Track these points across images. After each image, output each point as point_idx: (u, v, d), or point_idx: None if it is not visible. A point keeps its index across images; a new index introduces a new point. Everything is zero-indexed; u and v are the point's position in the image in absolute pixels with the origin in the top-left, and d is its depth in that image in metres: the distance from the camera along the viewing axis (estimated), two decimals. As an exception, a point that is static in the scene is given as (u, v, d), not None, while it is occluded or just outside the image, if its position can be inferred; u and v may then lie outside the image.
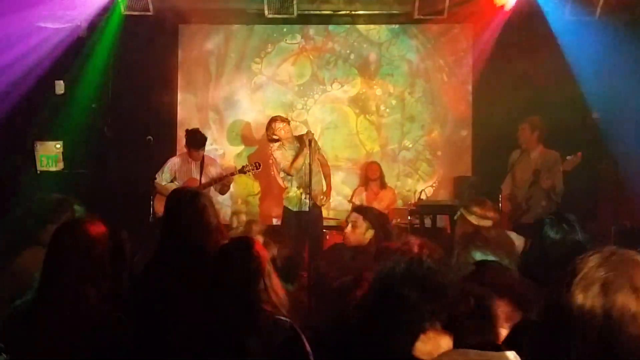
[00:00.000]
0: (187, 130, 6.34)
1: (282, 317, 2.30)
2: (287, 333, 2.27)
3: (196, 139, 6.15)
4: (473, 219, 3.54)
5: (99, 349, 2.16)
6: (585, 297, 1.37)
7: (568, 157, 5.74)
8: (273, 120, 6.04)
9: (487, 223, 3.50)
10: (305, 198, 5.86)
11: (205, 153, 6.37)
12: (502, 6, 6.58)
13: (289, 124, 6.05)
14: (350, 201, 7.13)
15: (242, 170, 6.10)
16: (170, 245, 2.86)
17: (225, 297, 2.28)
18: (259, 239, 2.92)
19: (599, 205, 6.74)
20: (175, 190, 3.17)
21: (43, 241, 2.87)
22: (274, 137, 5.98)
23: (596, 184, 6.70)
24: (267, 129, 6.05)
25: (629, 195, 6.08)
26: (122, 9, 6.74)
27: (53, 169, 7.10)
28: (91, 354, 2.16)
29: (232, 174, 6.13)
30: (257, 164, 6.15)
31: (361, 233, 3.68)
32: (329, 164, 6.39)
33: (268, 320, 2.26)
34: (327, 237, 6.45)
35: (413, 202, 6.87)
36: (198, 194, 3.05)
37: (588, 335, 1.36)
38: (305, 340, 2.33)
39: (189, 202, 2.95)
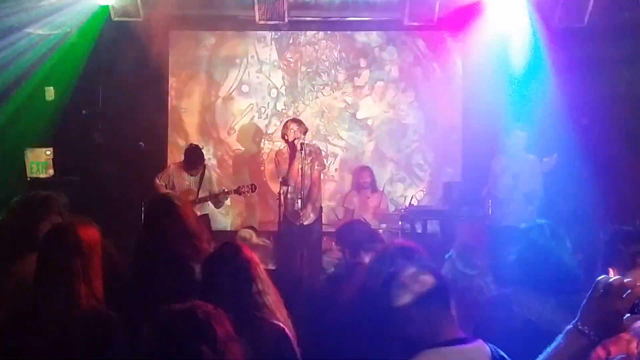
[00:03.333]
0: (185, 148, 6.46)
1: (274, 322, 2.31)
2: (278, 338, 2.28)
3: (192, 158, 6.29)
4: None
5: (91, 348, 2.18)
6: None
7: (544, 159, 5.90)
8: (287, 121, 6.31)
9: None
10: (300, 205, 5.97)
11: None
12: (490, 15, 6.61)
13: (299, 127, 6.15)
14: (343, 206, 7.17)
15: (237, 191, 6.26)
16: (147, 250, 2.89)
17: (217, 303, 2.28)
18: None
19: (586, 208, 6.80)
20: (154, 197, 3.24)
21: (39, 240, 2.88)
22: (285, 137, 6.18)
23: (582, 188, 6.78)
24: (282, 129, 6.32)
25: (615, 198, 6.17)
26: (113, 15, 6.72)
27: (43, 175, 7.05)
28: (83, 352, 2.17)
29: (227, 193, 6.24)
30: (252, 186, 6.30)
31: None
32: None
33: (260, 325, 2.26)
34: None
35: (404, 207, 6.90)
36: (174, 201, 3.10)
37: None
38: (295, 345, 2.34)
39: (168, 209, 3.00)
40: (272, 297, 2.34)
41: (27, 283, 2.55)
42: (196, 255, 2.89)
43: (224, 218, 7.63)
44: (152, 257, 2.82)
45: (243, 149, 7.74)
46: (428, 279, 2.02)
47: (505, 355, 1.98)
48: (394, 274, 2.11)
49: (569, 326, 1.56)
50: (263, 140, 7.74)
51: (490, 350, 1.97)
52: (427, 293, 2.01)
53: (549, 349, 1.59)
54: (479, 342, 1.99)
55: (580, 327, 1.53)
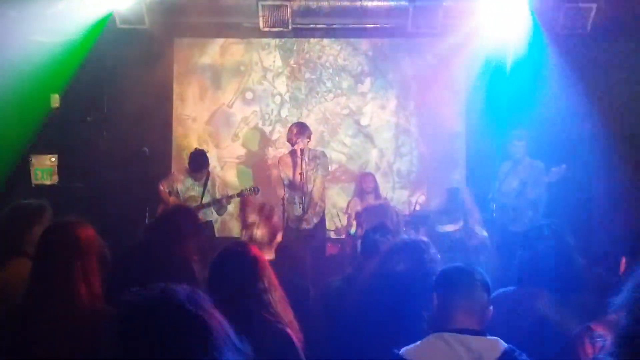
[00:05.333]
0: (190, 152, 6.42)
1: (279, 325, 2.29)
2: (282, 342, 2.26)
3: (196, 162, 6.26)
4: None
5: (92, 347, 2.17)
6: None
7: (553, 169, 5.88)
8: (292, 125, 6.20)
9: None
10: (302, 210, 5.96)
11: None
12: (494, 21, 6.62)
13: (304, 131, 6.03)
14: (346, 213, 7.16)
15: (240, 194, 6.23)
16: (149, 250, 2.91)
17: (224, 299, 2.27)
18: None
19: (590, 213, 6.80)
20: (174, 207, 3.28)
21: (27, 247, 2.89)
22: (291, 142, 6.06)
23: (585, 193, 6.78)
24: (287, 134, 6.19)
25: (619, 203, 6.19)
26: (118, 22, 6.75)
27: (47, 182, 7.08)
28: (84, 352, 2.16)
29: (231, 197, 6.24)
30: (255, 188, 6.27)
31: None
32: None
33: (264, 327, 2.23)
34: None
35: (408, 212, 6.90)
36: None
37: None
38: (300, 348, 2.33)
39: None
40: (277, 296, 2.34)
41: (10, 287, 2.56)
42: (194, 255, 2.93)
43: (232, 224, 7.62)
44: (153, 257, 2.82)
45: (247, 155, 7.76)
46: (456, 269, 2.11)
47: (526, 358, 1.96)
48: (426, 259, 2.22)
49: None
50: (267, 146, 7.76)
51: (507, 349, 1.96)
52: (452, 282, 2.07)
53: None
54: (494, 338, 2.00)
55: None
